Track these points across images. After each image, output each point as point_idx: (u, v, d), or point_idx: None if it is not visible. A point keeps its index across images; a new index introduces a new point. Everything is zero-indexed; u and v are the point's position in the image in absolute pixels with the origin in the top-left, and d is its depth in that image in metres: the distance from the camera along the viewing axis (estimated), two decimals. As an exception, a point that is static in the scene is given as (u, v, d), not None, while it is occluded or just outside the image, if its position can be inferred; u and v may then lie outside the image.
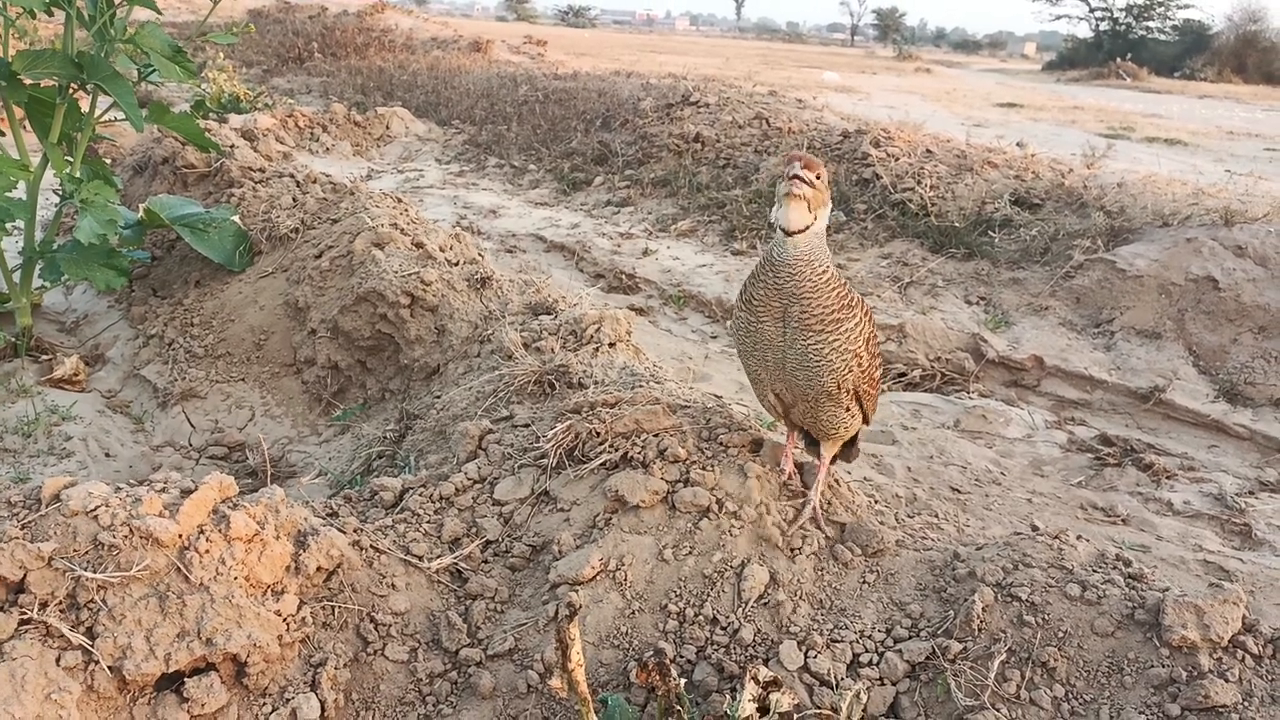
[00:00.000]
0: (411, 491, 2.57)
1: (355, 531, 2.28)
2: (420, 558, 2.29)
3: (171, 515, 1.89)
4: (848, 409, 2.22)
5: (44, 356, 4.11)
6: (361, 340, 3.74)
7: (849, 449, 2.52)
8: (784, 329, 2.08)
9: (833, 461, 2.45)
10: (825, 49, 53.68)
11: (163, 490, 1.97)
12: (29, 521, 1.84)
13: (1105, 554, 2.22)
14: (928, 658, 2.01)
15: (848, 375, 2.12)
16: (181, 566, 1.85)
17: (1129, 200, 6.05)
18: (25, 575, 1.76)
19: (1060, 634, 1.99)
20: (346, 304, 3.75)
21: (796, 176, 1.94)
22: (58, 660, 1.72)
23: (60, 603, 1.77)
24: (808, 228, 1.98)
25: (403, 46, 16.77)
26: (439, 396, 3.30)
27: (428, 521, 2.45)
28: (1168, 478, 3.90)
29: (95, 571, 1.79)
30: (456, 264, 3.86)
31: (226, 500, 2.01)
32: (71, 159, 3.98)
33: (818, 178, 1.96)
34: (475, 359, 3.40)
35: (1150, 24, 42.53)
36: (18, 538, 1.78)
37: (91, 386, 3.97)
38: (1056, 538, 2.24)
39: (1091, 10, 44.30)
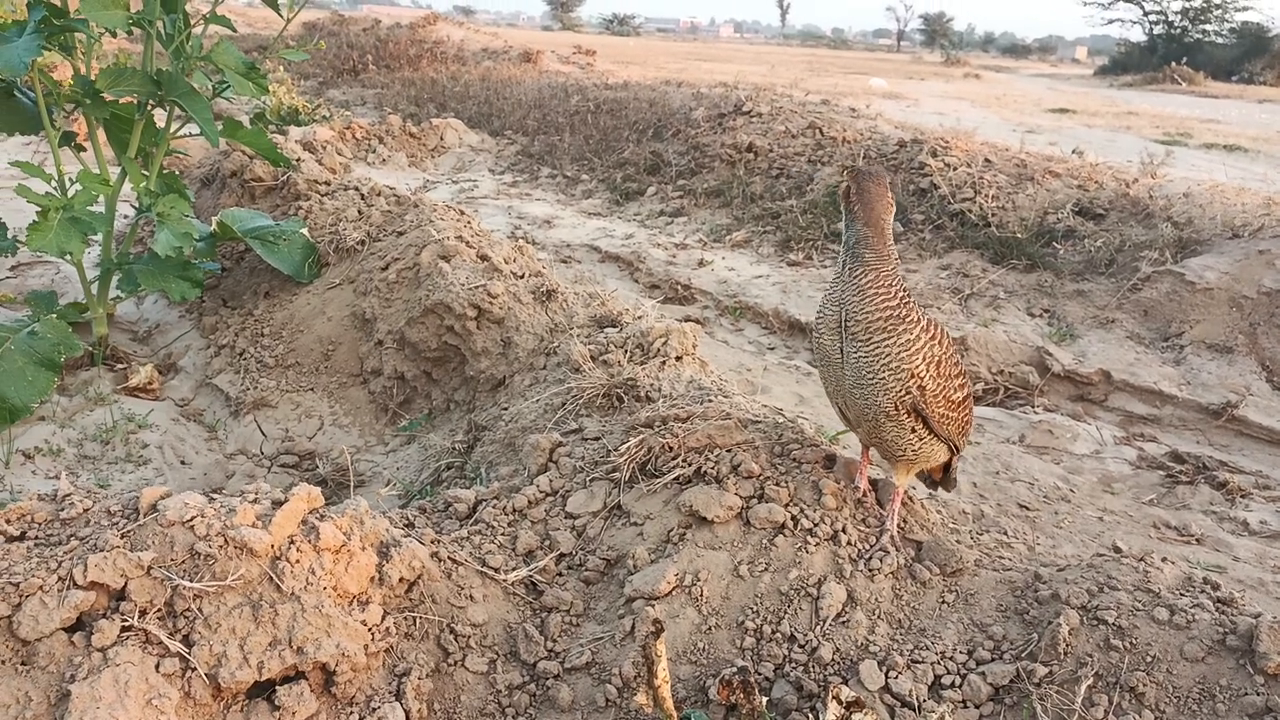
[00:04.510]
0: (485, 503, 2.60)
1: (433, 543, 2.31)
2: (496, 569, 2.31)
3: (264, 526, 1.93)
4: (914, 431, 2.17)
5: (119, 365, 4.22)
6: (428, 351, 3.80)
7: (946, 476, 2.50)
8: (841, 343, 2.12)
9: (933, 487, 2.48)
10: (871, 55, 53.27)
11: (255, 501, 2.02)
12: (128, 531, 1.89)
13: (1192, 577, 2.17)
14: (1012, 680, 1.99)
15: (905, 397, 2.10)
16: (274, 576, 1.89)
17: (1196, 211, 5.93)
18: (126, 584, 1.81)
19: (1149, 659, 1.95)
20: (413, 316, 3.81)
21: None
22: (157, 667, 1.76)
23: (159, 610, 1.81)
24: None
25: (454, 58, 16.99)
26: (506, 408, 3.33)
27: (502, 534, 2.47)
28: (1243, 496, 3.81)
29: (192, 580, 1.83)
30: (522, 276, 3.90)
31: (314, 511, 2.05)
32: (147, 173, 4.09)
33: None
34: (541, 371, 3.43)
35: (1207, 27, 41.64)
36: (119, 546, 1.83)
37: (165, 395, 4.07)
38: (1141, 560, 2.20)
39: (1145, 14, 43.47)
